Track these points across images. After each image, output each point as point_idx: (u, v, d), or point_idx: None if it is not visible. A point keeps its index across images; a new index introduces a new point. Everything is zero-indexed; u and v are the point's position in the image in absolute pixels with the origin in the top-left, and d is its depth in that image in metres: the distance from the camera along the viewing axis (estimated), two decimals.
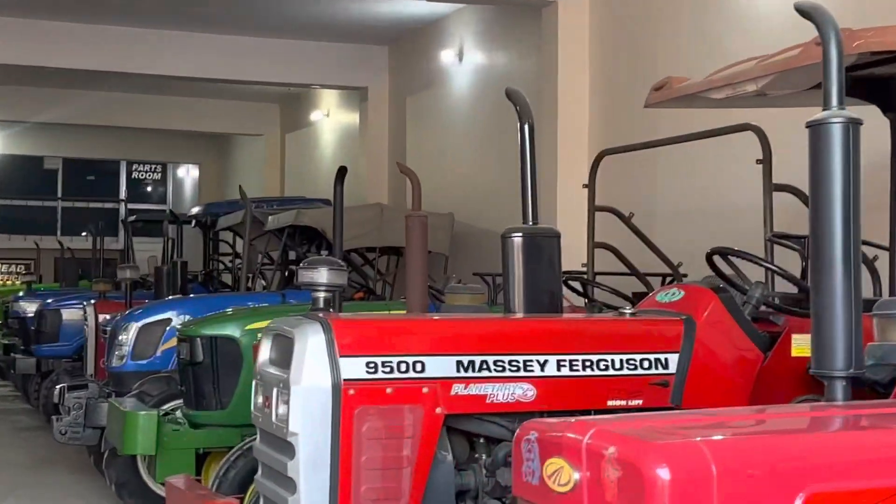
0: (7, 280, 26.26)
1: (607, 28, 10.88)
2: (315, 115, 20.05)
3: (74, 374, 10.91)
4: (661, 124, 9.09)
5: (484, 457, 3.88)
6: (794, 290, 5.07)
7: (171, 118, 22.13)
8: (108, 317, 9.46)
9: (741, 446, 2.11)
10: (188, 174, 29.52)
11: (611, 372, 3.94)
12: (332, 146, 19.45)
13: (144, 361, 8.10)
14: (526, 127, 4.49)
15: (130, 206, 27.64)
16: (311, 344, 3.58)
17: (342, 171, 6.79)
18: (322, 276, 3.95)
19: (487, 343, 3.82)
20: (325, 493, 3.53)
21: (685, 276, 7.37)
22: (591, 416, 2.42)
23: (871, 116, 4.03)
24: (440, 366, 3.70)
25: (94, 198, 28.45)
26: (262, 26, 15.69)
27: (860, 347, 2.73)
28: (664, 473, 1.95)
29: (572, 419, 2.26)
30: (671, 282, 7.37)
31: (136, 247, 16.19)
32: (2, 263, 27.26)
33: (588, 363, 3.90)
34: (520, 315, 4.27)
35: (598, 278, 7.38)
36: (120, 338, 8.16)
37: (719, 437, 2.16)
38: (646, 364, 3.99)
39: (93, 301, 10.44)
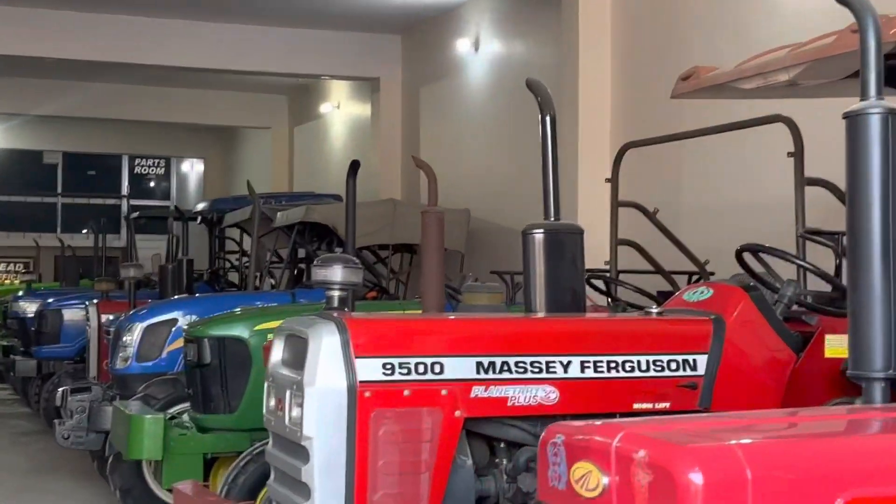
0: (5, 279, 26.37)
1: (630, 15, 10.87)
2: (325, 108, 20.07)
3: (76, 377, 10.95)
4: (686, 116, 9.08)
5: (504, 462, 3.90)
6: (826, 288, 5.07)
7: (175, 111, 22.17)
8: (111, 317, 9.49)
9: (777, 450, 2.11)
10: (192, 169, 29.59)
11: (637, 374, 3.94)
12: (342, 139, 19.47)
13: (150, 363, 8.12)
14: (548, 119, 4.50)
15: (133, 202, 27.71)
16: (326, 344, 3.60)
17: (355, 165, 6.81)
18: (336, 273, 3.97)
19: (508, 343, 3.83)
20: (340, 499, 3.55)
21: (712, 274, 7.36)
22: (620, 419, 2.42)
23: None
24: (459, 367, 3.71)
25: (95, 193, 28.55)
26: (269, 15, 15.72)
27: None
28: (697, 478, 1.96)
29: (600, 422, 2.26)
30: (698, 280, 7.37)
31: (139, 244, 16.24)
32: (0, 262, 27.38)
33: (613, 364, 3.91)
34: (542, 314, 4.27)
35: (622, 277, 7.38)
36: (124, 339, 8.19)
37: (754, 441, 2.16)
38: (673, 365, 3.99)
39: (95, 301, 10.48)
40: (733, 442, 2.07)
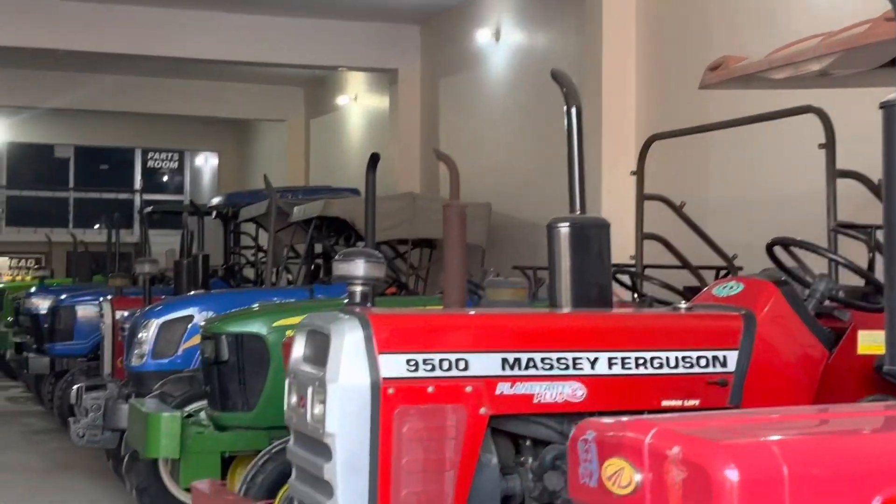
0: (17, 275, 26.51)
1: (655, 4, 10.85)
2: (342, 100, 20.09)
3: (90, 374, 11.02)
4: (712, 107, 9.07)
5: (530, 460, 3.90)
6: (858, 283, 5.06)
7: (188, 103, 22.23)
8: (125, 313, 9.54)
9: (814, 446, 2.12)
10: (206, 163, 29.67)
11: (665, 370, 3.95)
12: (359, 132, 19.49)
13: (165, 360, 8.16)
14: (573, 110, 4.49)
15: (146, 196, 27.85)
16: (349, 340, 3.61)
17: (375, 158, 6.82)
18: (359, 268, 3.98)
19: (534, 339, 3.84)
20: (363, 498, 3.57)
21: (740, 269, 7.35)
22: (652, 416, 2.43)
23: None
24: (484, 363, 3.73)
25: (108, 188, 28.66)
26: (285, 5, 15.74)
27: None
28: (733, 475, 1.96)
29: (632, 418, 2.27)
30: (726, 275, 7.36)
31: (152, 239, 16.31)
32: (11, 258, 27.51)
33: (641, 361, 3.92)
34: (568, 310, 4.28)
35: (647, 271, 7.38)
36: (139, 336, 8.23)
37: (790, 437, 2.17)
38: (703, 362, 4.00)
39: (109, 297, 10.53)
40: (769, 438, 2.08)
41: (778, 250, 4.77)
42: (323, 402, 3.62)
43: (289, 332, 6.41)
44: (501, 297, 6.64)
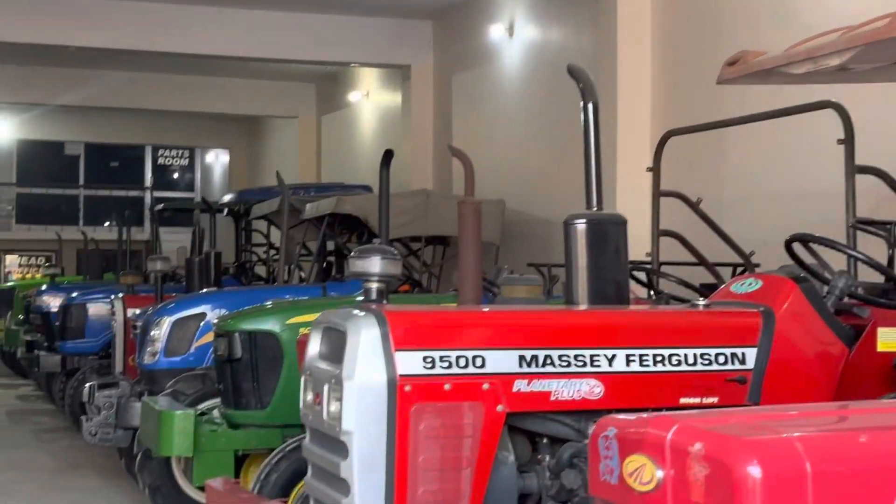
0: (27, 273, 26.60)
1: None
2: (353, 96, 20.11)
3: (101, 372, 11.05)
4: (729, 103, 9.06)
5: (547, 458, 3.92)
6: (877, 280, 5.05)
7: (199, 100, 22.27)
8: (137, 311, 9.57)
9: (837, 443, 2.12)
10: (217, 159, 29.71)
11: (684, 367, 3.96)
12: (371, 129, 19.51)
13: (178, 358, 8.19)
14: (590, 106, 4.50)
15: (156, 193, 27.91)
16: (365, 337, 3.63)
17: (389, 155, 6.84)
18: (375, 265, 4.00)
19: (551, 337, 3.85)
20: (380, 495, 3.58)
21: (757, 265, 7.34)
22: (673, 412, 2.44)
23: None
24: (501, 361, 3.74)
25: (118, 185, 28.73)
26: (296, 1, 15.76)
27: None
28: (755, 471, 1.97)
29: (653, 414, 2.28)
30: (742, 272, 7.35)
31: (162, 237, 16.36)
32: (21, 255, 27.60)
33: (659, 358, 3.93)
34: (585, 307, 4.29)
35: (663, 268, 7.38)
36: (152, 333, 8.25)
37: (812, 433, 2.17)
38: (721, 359, 4.01)
39: (120, 295, 10.56)
40: (791, 434, 2.09)
41: (797, 247, 4.77)
42: (339, 399, 3.64)
43: (302, 330, 6.45)
44: (516, 294, 6.64)
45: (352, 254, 4.16)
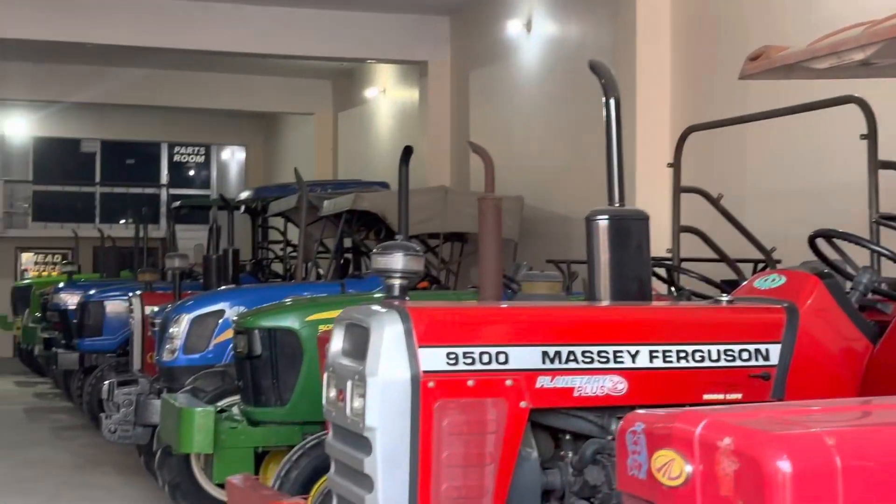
0: (44, 271, 26.70)
1: None
2: (370, 92, 20.13)
3: (119, 370, 11.12)
4: (749, 98, 9.05)
5: (570, 454, 3.93)
6: None
7: (215, 97, 22.30)
8: (155, 309, 9.62)
9: (867, 438, 2.13)
10: (233, 157, 29.77)
11: (707, 363, 3.96)
12: (388, 125, 19.52)
13: (197, 355, 8.24)
14: (612, 102, 4.51)
15: (172, 191, 28.02)
16: (388, 334, 3.64)
17: (408, 151, 6.86)
18: (397, 261, 4.01)
19: (575, 333, 3.85)
20: (404, 491, 3.60)
21: (779, 262, 7.34)
22: (700, 407, 2.45)
23: None
24: (524, 357, 3.75)
25: (134, 182, 28.81)
26: None
27: None
28: (785, 466, 1.98)
29: (681, 409, 2.29)
30: (764, 268, 7.35)
31: (178, 234, 16.42)
32: (37, 253, 27.71)
33: (682, 354, 3.93)
34: (608, 303, 4.30)
35: (684, 265, 7.38)
36: (171, 330, 8.30)
37: (842, 428, 2.18)
38: (745, 355, 4.01)
39: (138, 292, 10.62)
40: (821, 429, 2.09)
41: (820, 242, 4.77)
42: (363, 395, 3.65)
43: (322, 327, 6.47)
44: (536, 290, 6.67)
45: (374, 250, 4.17)
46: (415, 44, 16.59)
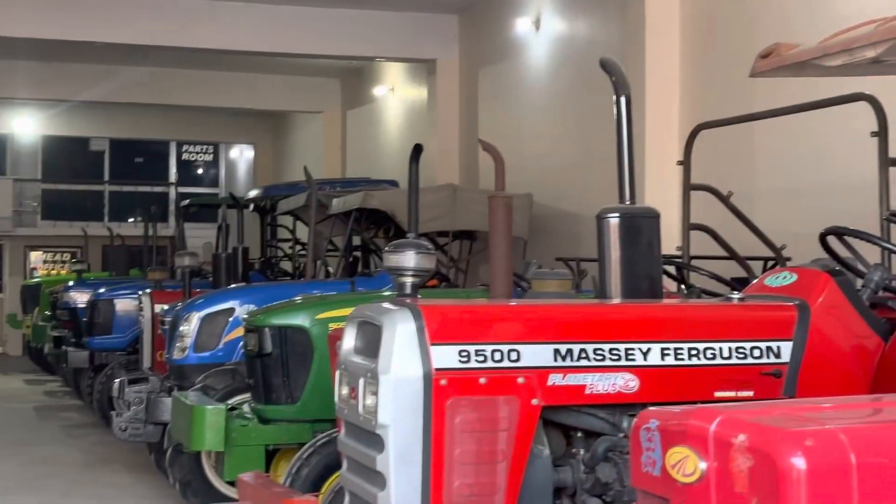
0: (52, 269, 26.76)
1: None
2: (379, 91, 20.14)
3: (129, 368, 11.14)
4: (758, 96, 9.05)
5: (582, 452, 3.93)
6: None
7: (223, 95, 22.33)
8: (164, 307, 9.64)
9: (881, 434, 2.13)
10: (242, 155, 29.81)
11: (718, 361, 3.96)
12: (397, 124, 19.53)
13: (207, 354, 8.26)
14: (622, 99, 4.51)
15: (180, 189, 28.05)
16: (401, 331, 3.65)
17: (418, 149, 6.84)
18: (410, 259, 4.03)
19: (586, 330, 3.86)
20: (416, 489, 3.61)
21: (789, 259, 7.34)
22: (714, 404, 2.46)
23: None
24: (536, 354, 3.75)
25: (143, 181, 28.86)
26: None
27: None
28: (800, 463, 1.98)
29: (695, 406, 2.30)
30: (774, 266, 7.34)
31: (187, 233, 16.43)
32: (46, 251, 27.77)
33: (694, 351, 3.94)
34: (619, 301, 4.30)
35: (694, 262, 7.38)
36: (181, 329, 8.32)
37: (856, 425, 2.18)
38: (756, 353, 4.01)
39: (148, 290, 10.64)
40: (836, 426, 2.10)
41: (831, 240, 4.77)
42: (375, 393, 3.66)
43: (332, 325, 6.49)
44: (547, 288, 6.67)
45: (386, 248, 4.19)
46: (423, 42, 16.60)
